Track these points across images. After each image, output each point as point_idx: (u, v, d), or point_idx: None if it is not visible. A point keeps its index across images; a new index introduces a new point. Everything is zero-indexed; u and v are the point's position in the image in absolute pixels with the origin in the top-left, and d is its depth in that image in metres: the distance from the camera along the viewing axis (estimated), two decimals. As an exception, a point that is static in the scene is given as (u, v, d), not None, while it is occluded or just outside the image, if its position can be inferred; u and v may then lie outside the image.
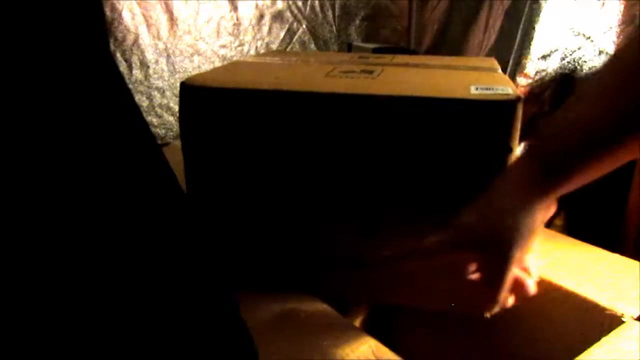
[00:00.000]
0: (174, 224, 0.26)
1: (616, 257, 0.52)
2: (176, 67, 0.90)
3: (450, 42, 1.13)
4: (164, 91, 0.89)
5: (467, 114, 0.41)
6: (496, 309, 0.36)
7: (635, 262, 0.51)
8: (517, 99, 0.41)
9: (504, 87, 0.43)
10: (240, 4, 0.96)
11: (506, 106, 0.41)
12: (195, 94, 0.43)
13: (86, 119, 0.23)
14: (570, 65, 0.89)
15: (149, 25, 0.87)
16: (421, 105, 0.41)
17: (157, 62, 0.88)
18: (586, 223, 0.66)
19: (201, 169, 0.45)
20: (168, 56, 0.89)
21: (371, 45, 1.03)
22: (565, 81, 0.91)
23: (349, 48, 1.09)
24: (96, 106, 0.23)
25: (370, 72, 0.50)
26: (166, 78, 0.89)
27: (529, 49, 0.93)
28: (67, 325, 0.22)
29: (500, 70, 0.53)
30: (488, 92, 0.42)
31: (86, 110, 0.23)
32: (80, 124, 0.22)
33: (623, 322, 0.42)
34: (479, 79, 0.47)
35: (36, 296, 0.21)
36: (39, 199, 0.21)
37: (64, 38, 0.23)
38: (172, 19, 0.89)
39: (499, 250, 0.35)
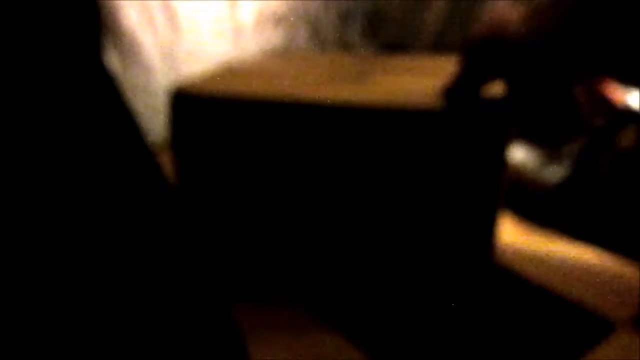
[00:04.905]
0: (165, 227, 0.26)
1: (615, 258, 0.53)
2: (177, 69, 0.90)
3: (450, 42, 1.13)
4: (165, 93, 0.89)
5: (457, 119, 0.41)
6: None
7: (635, 264, 0.51)
8: (506, 102, 0.41)
9: (496, 88, 0.44)
10: (240, 6, 0.96)
11: (493, 106, 0.41)
12: (186, 102, 0.43)
13: (74, 123, 0.23)
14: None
15: (149, 26, 0.87)
16: (408, 116, 0.41)
17: (158, 64, 0.88)
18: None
19: (192, 175, 0.45)
20: (169, 58, 0.89)
21: (371, 47, 1.03)
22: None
23: (349, 50, 1.09)
24: (84, 110, 0.23)
25: (365, 76, 0.50)
26: (167, 80, 0.89)
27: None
28: (55, 326, 0.22)
29: None
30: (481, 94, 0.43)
31: (73, 114, 0.23)
32: (67, 128, 0.22)
33: (620, 326, 0.42)
34: None
35: (26, 299, 0.21)
36: (24, 203, 0.21)
37: (53, 41, 0.23)
38: (172, 20, 0.89)
39: None
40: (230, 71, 0.53)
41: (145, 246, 0.24)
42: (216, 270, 0.41)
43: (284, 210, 0.45)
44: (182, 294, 0.26)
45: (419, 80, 0.49)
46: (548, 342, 0.41)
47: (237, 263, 0.47)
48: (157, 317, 0.24)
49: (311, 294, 0.46)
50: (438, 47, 1.15)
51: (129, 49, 0.86)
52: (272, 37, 1.02)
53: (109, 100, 0.24)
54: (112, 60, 0.84)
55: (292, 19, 1.03)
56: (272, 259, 0.47)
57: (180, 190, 0.45)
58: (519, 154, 0.65)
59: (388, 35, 1.17)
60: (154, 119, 0.91)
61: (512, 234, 0.57)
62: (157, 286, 0.24)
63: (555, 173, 0.61)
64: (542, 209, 0.60)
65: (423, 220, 0.44)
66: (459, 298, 0.45)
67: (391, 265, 0.46)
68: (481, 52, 0.40)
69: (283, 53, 1.00)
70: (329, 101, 0.42)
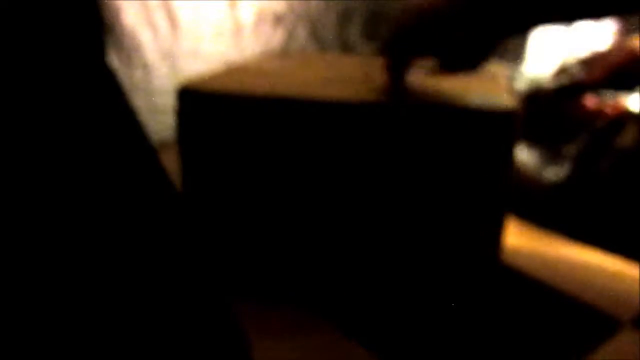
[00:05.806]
0: (168, 227, 0.26)
1: (616, 259, 0.53)
2: (177, 69, 0.90)
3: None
4: (165, 93, 0.89)
5: (465, 124, 0.41)
6: None
7: (635, 264, 0.51)
8: (516, 111, 0.41)
9: (504, 97, 0.44)
10: (240, 6, 0.96)
11: (505, 118, 0.41)
12: (193, 99, 0.44)
13: (76, 122, 0.23)
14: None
15: (149, 27, 0.87)
16: (418, 114, 0.41)
17: (158, 64, 0.88)
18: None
19: (198, 173, 0.45)
20: (169, 58, 0.89)
21: (371, 47, 1.03)
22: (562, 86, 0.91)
23: (349, 50, 1.09)
24: (87, 109, 0.23)
25: (367, 77, 0.50)
26: (167, 80, 0.89)
27: (524, 53, 0.93)
28: (55, 325, 0.22)
29: (505, 76, 0.54)
30: (487, 101, 0.43)
31: (76, 114, 0.23)
32: (70, 128, 0.23)
33: (622, 327, 0.43)
34: (479, 87, 0.47)
35: (26, 298, 0.21)
36: (26, 203, 0.21)
37: (55, 41, 0.23)
38: (173, 21, 0.89)
39: None
40: (234, 70, 0.53)
41: (148, 245, 0.24)
42: (220, 270, 0.41)
43: (289, 210, 0.45)
44: (186, 294, 0.26)
45: (419, 79, 0.49)
46: (550, 342, 0.41)
47: (241, 263, 0.47)
48: (160, 316, 0.24)
49: (316, 294, 0.46)
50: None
51: (129, 49, 0.86)
52: (272, 37, 1.02)
53: (111, 99, 0.24)
54: (113, 60, 0.84)
55: (292, 19, 1.03)
56: (277, 259, 0.47)
57: (185, 188, 0.45)
58: (519, 154, 0.65)
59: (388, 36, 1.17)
60: (154, 119, 0.91)
61: (512, 234, 0.57)
62: (160, 286, 0.24)
63: (555, 173, 0.61)
64: (542, 209, 0.61)
65: (430, 220, 0.44)
66: (465, 299, 0.45)
67: (397, 267, 0.46)
68: (411, 34, 0.44)
69: (283, 53, 1.01)
70: (335, 99, 0.42)
